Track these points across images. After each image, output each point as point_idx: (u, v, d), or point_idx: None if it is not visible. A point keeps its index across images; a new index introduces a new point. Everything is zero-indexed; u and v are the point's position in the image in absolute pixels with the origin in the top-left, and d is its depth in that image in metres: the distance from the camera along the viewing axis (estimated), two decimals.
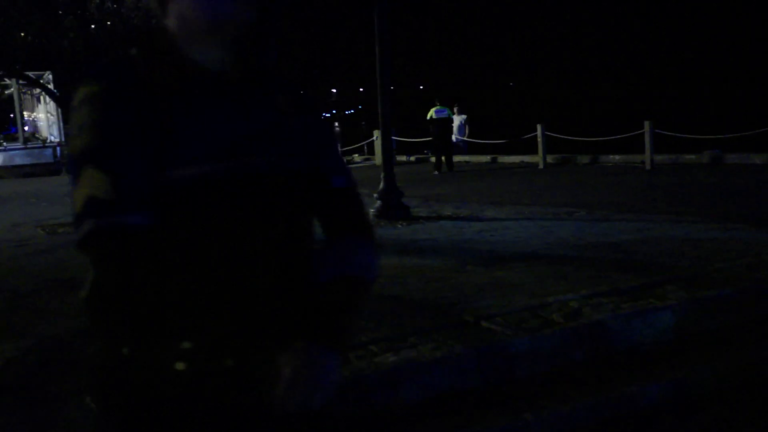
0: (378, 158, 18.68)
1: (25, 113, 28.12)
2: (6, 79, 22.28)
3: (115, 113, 1.16)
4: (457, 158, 18.70)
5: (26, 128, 27.66)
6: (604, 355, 4.05)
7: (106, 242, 1.12)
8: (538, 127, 17.05)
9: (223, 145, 1.22)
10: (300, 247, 1.30)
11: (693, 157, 15.19)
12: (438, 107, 17.61)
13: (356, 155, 23.89)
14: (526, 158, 18.41)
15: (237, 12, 1.21)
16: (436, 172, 17.11)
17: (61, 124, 22.11)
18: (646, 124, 14.70)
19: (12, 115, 28.15)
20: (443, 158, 17.48)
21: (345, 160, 1.49)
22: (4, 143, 26.14)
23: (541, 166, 16.91)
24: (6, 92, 27.66)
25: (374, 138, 20.50)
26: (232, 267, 1.20)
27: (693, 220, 7.66)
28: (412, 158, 21.65)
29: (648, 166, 14.63)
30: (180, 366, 1.17)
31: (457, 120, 20.11)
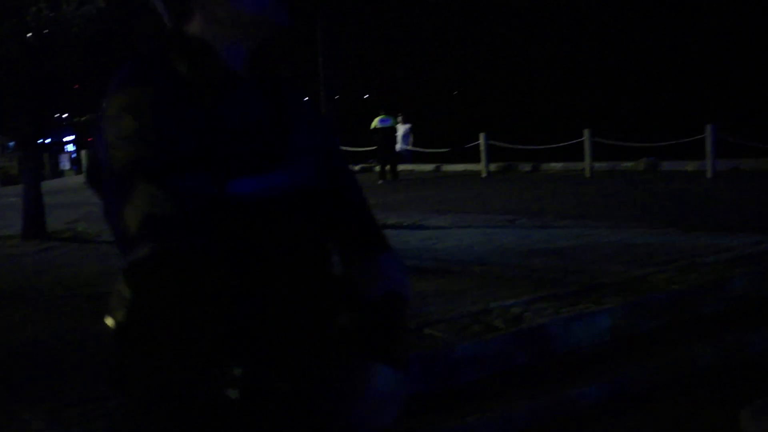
0: None
1: None
2: None
3: (168, 121, 1.06)
4: (401, 167, 18.86)
5: None
6: (545, 359, 4.17)
7: (171, 265, 0.98)
8: (481, 136, 17.32)
9: (270, 156, 1.17)
10: (330, 265, 1.27)
11: (630, 164, 15.62)
12: (382, 116, 17.72)
13: None
14: (470, 166, 18.66)
15: (276, 12, 1.18)
16: (381, 181, 17.20)
17: None
18: (586, 132, 15.07)
19: None
20: (388, 167, 17.59)
21: None
22: None
23: (484, 175, 17.17)
24: None
25: None
26: (280, 287, 1.15)
27: (629, 226, 7.90)
28: (357, 168, 21.74)
29: (588, 174, 14.99)
30: (233, 394, 1.08)
31: (401, 129, 20.27)
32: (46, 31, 9.97)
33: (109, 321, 1.02)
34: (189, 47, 1.15)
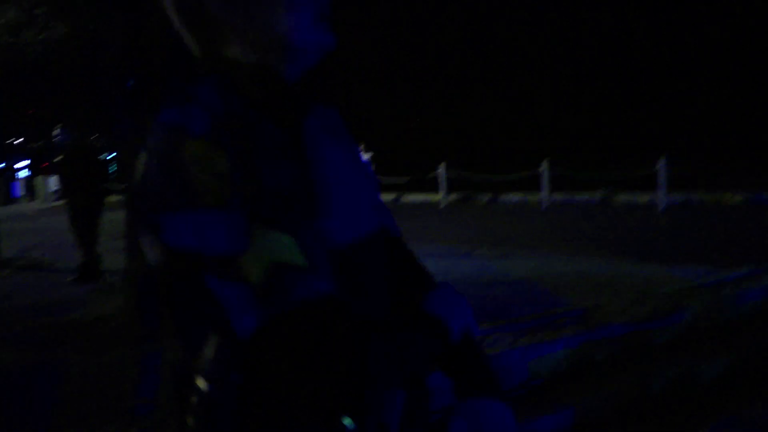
0: None
1: None
2: None
3: (267, 156, 0.98)
4: None
5: None
6: (502, 389, 4.23)
7: (313, 316, 0.91)
8: (441, 165, 17.52)
9: (352, 194, 1.09)
10: (412, 304, 1.21)
11: (587, 196, 15.94)
12: None
13: None
14: (430, 196, 18.84)
15: (321, 34, 1.07)
16: None
17: None
18: (544, 163, 15.36)
19: None
20: None
21: None
22: None
23: (443, 205, 17.34)
24: None
25: None
26: (377, 330, 1.03)
27: (586, 257, 8.06)
28: None
29: (545, 205, 15.25)
30: None
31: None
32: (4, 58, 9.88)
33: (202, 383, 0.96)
34: (257, 74, 1.05)
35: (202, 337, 0.98)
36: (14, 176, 36.32)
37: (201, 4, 1.03)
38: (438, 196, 17.84)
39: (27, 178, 34.80)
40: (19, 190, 32.83)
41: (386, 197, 20.30)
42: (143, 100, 5.00)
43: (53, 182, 26.68)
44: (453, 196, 17.93)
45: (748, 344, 5.05)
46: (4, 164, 36.55)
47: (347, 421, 0.97)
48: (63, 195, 8.54)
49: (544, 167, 15.39)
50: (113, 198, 9.72)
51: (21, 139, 38.47)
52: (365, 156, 20.85)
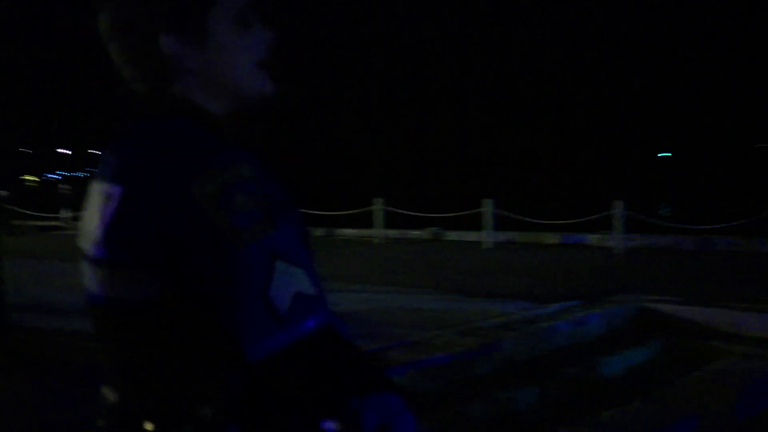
0: None
1: None
2: None
3: (281, 198, 1.03)
4: None
5: None
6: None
7: (330, 345, 1.00)
8: None
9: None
10: None
11: (418, 232, 16.52)
12: None
13: None
14: None
15: (262, 80, 1.16)
16: None
17: None
18: (378, 201, 15.78)
19: None
20: None
21: None
22: None
23: None
24: None
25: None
26: None
27: (415, 292, 8.37)
28: None
29: (379, 241, 15.64)
30: None
31: None
32: None
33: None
34: (202, 114, 1.12)
35: (177, 371, 1.02)
36: None
37: (156, 45, 1.09)
38: None
39: None
40: None
41: None
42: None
43: None
44: None
45: (560, 372, 5.46)
46: None
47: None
48: None
49: (377, 205, 15.82)
50: None
51: None
52: None
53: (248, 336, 0.96)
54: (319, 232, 17.99)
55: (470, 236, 15.57)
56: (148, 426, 1.03)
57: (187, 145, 1.04)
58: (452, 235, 16.11)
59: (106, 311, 1.09)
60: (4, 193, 16.79)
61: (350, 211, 17.33)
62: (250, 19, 1.15)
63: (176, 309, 1.00)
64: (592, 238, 14.04)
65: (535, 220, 14.82)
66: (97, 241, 1.06)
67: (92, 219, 1.10)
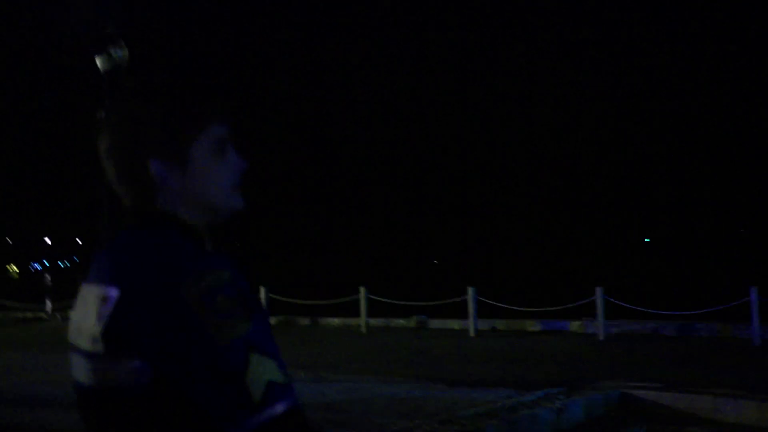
0: None
1: None
2: None
3: (252, 297, 1.19)
4: None
5: None
6: None
7: (297, 424, 1.16)
8: (262, 289, 17.57)
9: None
10: None
11: (403, 321, 16.54)
12: None
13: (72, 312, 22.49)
14: None
15: (235, 198, 1.35)
16: None
17: None
18: (362, 290, 15.86)
19: None
20: None
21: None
22: None
23: None
24: None
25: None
26: None
27: (399, 380, 8.39)
28: None
29: (364, 330, 15.64)
30: None
31: None
32: None
33: None
34: (183, 226, 1.30)
35: None
36: None
37: (144, 167, 1.28)
38: None
39: None
40: None
41: None
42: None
43: None
44: (274, 320, 17.93)
45: None
46: None
47: None
48: None
49: (361, 293, 15.90)
50: None
51: None
52: None
53: (227, 418, 1.12)
54: (304, 321, 17.95)
55: (453, 324, 15.62)
56: None
57: (173, 252, 1.23)
58: (436, 323, 16.15)
59: (97, 401, 1.23)
60: None
61: (334, 300, 17.37)
62: (227, 149, 1.35)
63: (164, 396, 1.15)
64: (573, 325, 14.14)
65: (517, 308, 14.93)
66: (95, 337, 1.21)
67: (86, 317, 1.25)
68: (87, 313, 1.25)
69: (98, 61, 9.51)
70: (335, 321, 17.54)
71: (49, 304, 22.97)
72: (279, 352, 1.19)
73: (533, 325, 14.62)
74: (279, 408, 1.13)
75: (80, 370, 1.27)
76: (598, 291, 12.89)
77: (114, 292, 1.20)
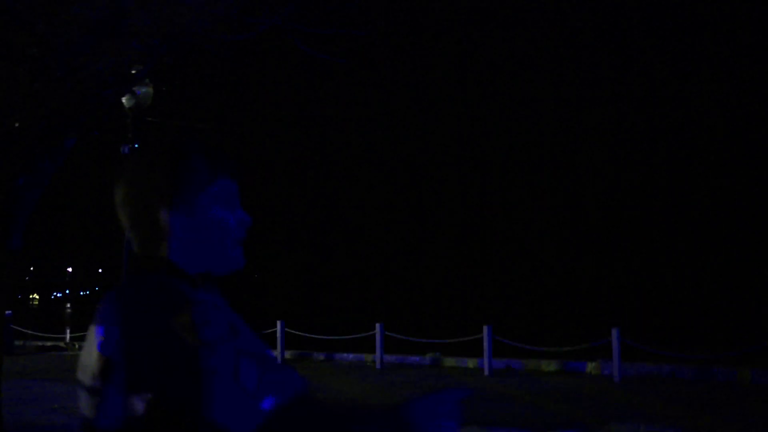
0: None
1: None
2: None
3: (239, 321, 1.34)
4: None
5: None
6: None
7: (293, 416, 1.26)
8: (278, 323, 17.62)
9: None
10: None
11: (417, 358, 16.49)
12: None
13: None
14: None
15: (238, 255, 1.45)
16: None
17: None
18: (377, 326, 15.86)
19: None
20: None
21: None
22: None
23: (279, 361, 17.27)
24: None
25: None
26: None
27: None
28: None
29: (378, 365, 15.60)
30: None
31: None
32: None
33: None
34: (185, 273, 1.40)
35: None
36: None
37: (155, 216, 1.39)
38: (275, 353, 17.79)
39: None
40: None
41: None
42: None
43: None
44: (289, 354, 17.95)
45: None
46: None
47: None
48: None
49: (377, 330, 15.89)
50: None
51: None
52: None
53: (233, 419, 1.22)
54: (319, 356, 17.95)
55: (468, 362, 15.54)
56: None
57: (166, 293, 1.33)
58: (450, 361, 16.08)
59: None
60: (8, 312, 16.92)
61: (350, 336, 17.37)
62: (233, 203, 1.45)
63: (163, 422, 1.25)
64: (590, 366, 14.03)
65: (532, 347, 14.85)
66: (95, 374, 1.31)
67: (89, 355, 1.35)
68: (90, 351, 1.35)
69: (123, 99, 9.75)
70: (350, 356, 17.52)
71: (67, 334, 23.16)
72: (271, 356, 1.31)
73: (549, 365, 14.51)
74: (273, 400, 1.24)
75: (84, 406, 1.35)
76: (614, 332, 12.80)
77: (111, 332, 1.30)
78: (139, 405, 1.26)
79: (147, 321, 1.28)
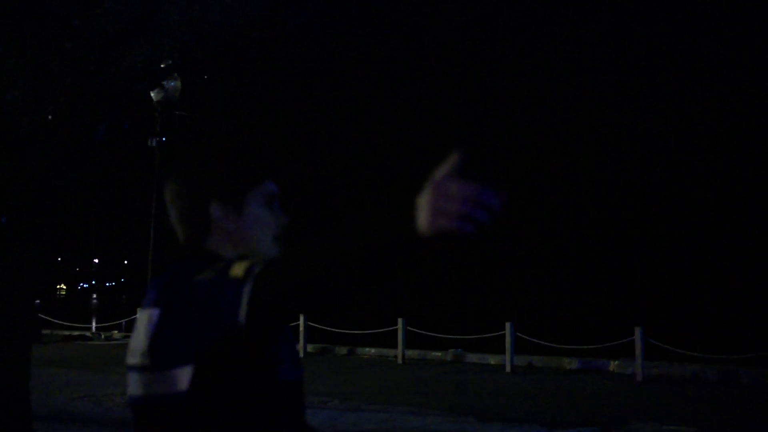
0: None
1: None
2: None
3: None
4: None
5: None
6: None
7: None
8: (301, 317, 17.74)
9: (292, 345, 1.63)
10: None
11: (439, 354, 16.52)
12: None
13: (115, 332, 22.97)
14: None
15: (275, 252, 1.59)
16: None
17: None
18: (400, 321, 15.90)
19: None
20: None
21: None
22: None
23: (301, 355, 17.39)
24: None
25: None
26: None
27: (432, 413, 8.42)
28: None
29: (400, 361, 15.65)
30: None
31: None
32: None
33: None
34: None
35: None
36: None
37: (206, 210, 1.54)
38: (297, 346, 17.90)
39: None
40: None
41: None
42: None
43: None
44: (311, 347, 18.06)
45: None
46: None
47: None
48: None
49: (399, 325, 15.94)
50: None
51: None
52: None
53: (284, 370, 1.43)
54: (342, 350, 18.04)
55: (490, 359, 15.55)
56: None
57: (206, 274, 1.43)
58: (472, 357, 16.08)
59: (149, 412, 1.43)
60: (37, 302, 17.22)
61: (372, 331, 17.43)
62: (274, 204, 1.61)
63: (205, 398, 1.37)
64: (612, 365, 13.96)
65: (555, 345, 14.80)
66: (143, 353, 1.44)
67: (138, 338, 1.48)
68: (138, 334, 1.48)
69: (152, 93, 9.87)
70: (372, 351, 17.59)
71: (94, 324, 23.46)
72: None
73: (571, 363, 14.47)
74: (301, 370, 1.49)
75: (133, 386, 1.47)
76: (638, 331, 12.74)
77: (156, 312, 1.43)
78: (187, 378, 1.36)
79: (198, 299, 1.38)
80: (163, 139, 10.86)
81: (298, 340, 17.75)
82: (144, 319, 1.48)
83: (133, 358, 1.48)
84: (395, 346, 16.13)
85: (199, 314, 1.36)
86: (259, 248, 1.57)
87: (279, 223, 1.60)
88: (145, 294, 1.55)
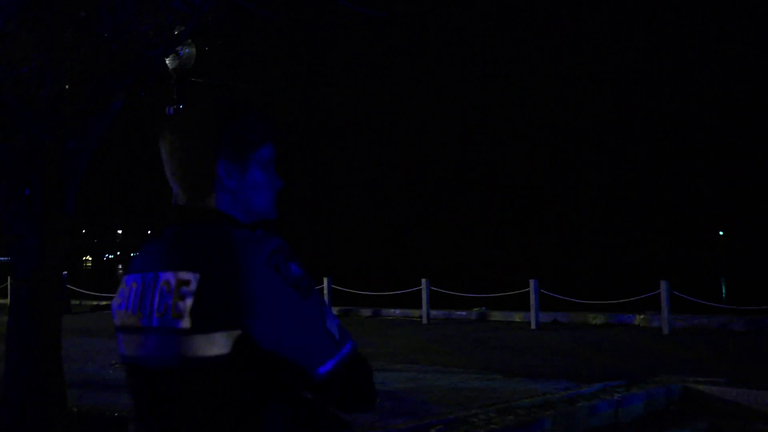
0: None
1: None
2: None
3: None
4: None
5: None
6: None
7: (361, 358, 1.53)
8: (325, 280, 17.84)
9: None
10: None
11: (464, 313, 16.57)
12: None
13: None
14: None
15: (273, 209, 1.61)
16: None
17: None
18: (423, 281, 15.95)
19: None
20: None
21: None
22: None
23: None
24: None
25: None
26: None
27: (458, 371, 8.47)
28: None
29: (425, 321, 15.73)
30: None
31: None
32: None
33: None
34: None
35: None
36: None
37: (211, 166, 1.51)
38: None
39: None
40: None
41: None
42: None
43: None
44: (336, 310, 18.19)
45: None
46: None
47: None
48: None
49: (423, 285, 15.98)
50: None
51: None
52: None
53: (318, 359, 1.42)
54: (366, 312, 18.15)
55: (515, 316, 15.57)
56: None
57: (240, 239, 1.43)
58: (497, 315, 16.11)
59: (179, 376, 1.42)
60: (64, 273, 17.46)
61: (396, 292, 17.50)
62: (271, 166, 1.60)
63: (246, 361, 1.37)
64: (638, 318, 13.93)
65: (580, 300, 14.78)
66: (182, 316, 1.40)
67: (156, 300, 1.44)
68: (154, 297, 1.44)
69: (167, 60, 9.83)
70: (396, 312, 17.68)
71: None
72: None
73: (596, 318, 14.45)
74: (350, 344, 1.48)
75: (152, 350, 1.44)
76: (663, 284, 12.67)
77: (193, 276, 1.39)
78: (225, 343, 1.35)
79: (232, 264, 1.38)
80: (180, 106, 10.86)
81: None
82: (167, 282, 1.43)
83: (145, 321, 1.47)
84: (419, 307, 16.20)
85: (249, 296, 1.37)
86: (257, 211, 1.57)
87: (276, 187, 1.61)
88: (143, 256, 1.53)
